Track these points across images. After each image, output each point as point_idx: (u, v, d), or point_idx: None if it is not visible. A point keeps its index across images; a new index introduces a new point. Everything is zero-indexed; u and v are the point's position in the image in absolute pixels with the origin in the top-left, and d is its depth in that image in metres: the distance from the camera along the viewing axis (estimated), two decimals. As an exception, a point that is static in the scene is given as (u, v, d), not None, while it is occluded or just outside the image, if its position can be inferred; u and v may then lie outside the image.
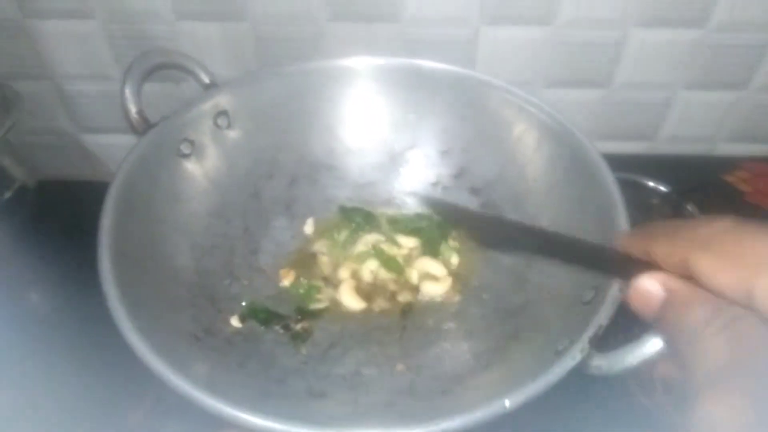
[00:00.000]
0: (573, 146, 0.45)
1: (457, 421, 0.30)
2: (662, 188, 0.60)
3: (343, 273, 0.49)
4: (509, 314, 0.44)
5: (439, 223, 0.51)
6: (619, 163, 0.45)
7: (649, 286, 0.25)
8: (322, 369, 0.42)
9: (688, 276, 0.23)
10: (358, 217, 0.52)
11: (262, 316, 0.45)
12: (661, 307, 0.24)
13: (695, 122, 0.66)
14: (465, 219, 0.47)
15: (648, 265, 0.25)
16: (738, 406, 0.19)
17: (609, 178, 0.42)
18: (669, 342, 0.24)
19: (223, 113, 0.49)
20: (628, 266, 0.25)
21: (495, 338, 0.43)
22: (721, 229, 0.22)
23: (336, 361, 0.43)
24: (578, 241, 0.33)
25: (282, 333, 0.44)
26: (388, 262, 0.49)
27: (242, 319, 0.44)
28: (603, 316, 0.34)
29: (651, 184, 0.60)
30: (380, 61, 0.51)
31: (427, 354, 0.44)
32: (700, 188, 0.59)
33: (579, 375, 0.33)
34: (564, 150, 0.46)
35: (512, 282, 0.46)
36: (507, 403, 0.31)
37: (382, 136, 0.53)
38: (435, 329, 0.46)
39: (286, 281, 0.48)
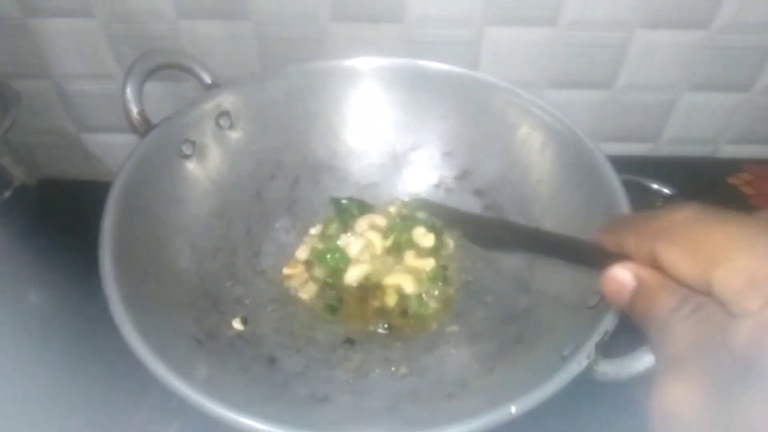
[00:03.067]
0: (578, 148, 0.45)
1: (462, 428, 0.30)
2: (666, 190, 0.60)
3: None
4: (513, 318, 0.44)
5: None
6: (622, 164, 0.44)
7: (621, 275, 0.25)
8: (325, 373, 0.42)
9: (658, 266, 0.24)
10: (353, 208, 0.52)
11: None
12: (632, 297, 0.25)
13: (699, 124, 0.66)
14: (463, 222, 0.47)
15: (622, 257, 0.26)
16: (692, 385, 0.20)
17: (614, 181, 0.42)
18: (642, 330, 0.25)
19: (225, 114, 0.49)
20: (605, 259, 0.26)
21: (499, 342, 0.43)
22: (684, 218, 0.23)
23: (339, 364, 0.43)
24: (565, 237, 0.34)
25: (285, 336, 0.44)
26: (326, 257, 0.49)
27: (244, 322, 0.44)
28: (609, 321, 0.34)
29: (654, 186, 0.60)
30: (383, 61, 0.51)
31: (431, 357, 0.43)
32: (704, 190, 0.59)
33: (585, 380, 0.33)
34: (569, 152, 0.46)
35: (515, 285, 0.46)
36: (513, 409, 0.30)
37: (384, 137, 0.53)
38: (438, 332, 0.45)
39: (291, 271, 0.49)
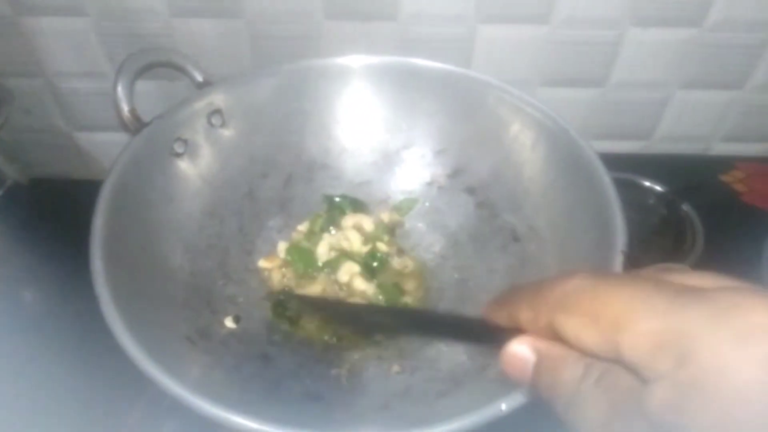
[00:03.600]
0: (569, 145, 0.45)
1: (453, 425, 0.30)
2: (658, 188, 0.60)
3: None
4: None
5: None
6: (615, 162, 0.45)
7: (519, 350, 0.24)
8: (318, 371, 0.42)
9: (557, 338, 0.22)
10: (345, 205, 0.52)
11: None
12: (534, 371, 0.24)
13: (691, 122, 0.66)
14: (334, 310, 0.45)
15: (516, 331, 0.24)
16: None
17: (605, 178, 0.42)
18: (550, 407, 0.23)
19: (217, 112, 0.49)
20: (499, 335, 0.25)
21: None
22: (577, 286, 0.22)
23: (332, 363, 0.43)
24: (452, 317, 0.32)
25: (278, 335, 0.44)
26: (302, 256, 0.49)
27: (237, 321, 0.44)
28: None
29: (647, 183, 0.61)
30: (376, 59, 0.51)
31: (423, 355, 0.43)
32: (696, 188, 0.59)
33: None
34: (560, 149, 0.46)
35: (507, 283, 0.46)
36: (503, 406, 0.30)
37: (377, 135, 0.53)
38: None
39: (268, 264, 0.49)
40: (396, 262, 0.50)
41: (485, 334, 0.26)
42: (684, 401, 0.18)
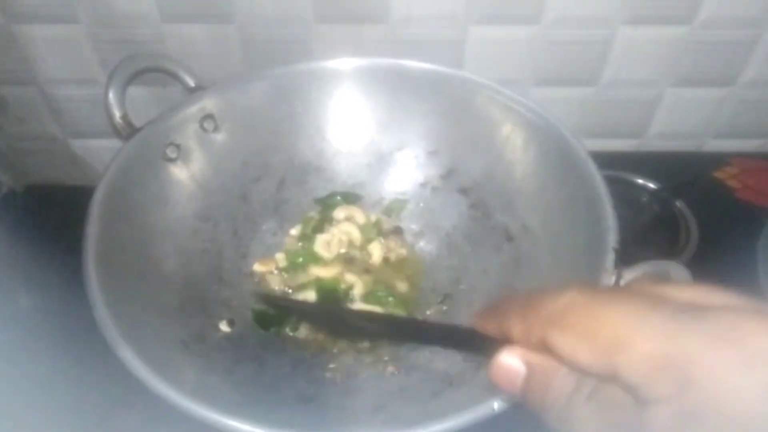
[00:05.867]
0: (560, 144, 0.45)
1: (446, 424, 0.30)
2: (651, 185, 0.60)
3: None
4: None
5: None
6: (608, 160, 0.45)
7: (509, 361, 0.23)
8: (313, 373, 0.42)
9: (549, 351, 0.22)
10: (336, 200, 0.53)
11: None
12: (524, 384, 0.23)
13: (683, 119, 0.66)
14: (305, 313, 0.44)
15: (506, 342, 0.24)
16: None
17: (596, 176, 0.42)
18: (541, 419, 0.23)
19: (209, 116, 0.49)
20: (488, 344, 0.24)
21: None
22: (571, 302, 0.21)
23: (326, 364, 0.43)
24: (435, 325, 0.32)
25: (272, 337, 0.44)
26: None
27: (231, 324, 0.44)
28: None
29: (640, 181, 0.61)
30: (367, 62, 0.51)
31: (418, 356, 0.43)
32: (689, 185, 0.59)
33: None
34: (551, 148, 0.46)
35: (502, 282, 0.46)
36: (495, 405, 0.31)
37: (370, 137, 0.53)
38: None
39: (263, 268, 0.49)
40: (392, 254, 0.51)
41: (475, 344, 0.25)
42: (685, 427, 0.18)
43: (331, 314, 0.40)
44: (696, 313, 0.19)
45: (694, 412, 0.18)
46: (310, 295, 0.47)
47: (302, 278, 0.49)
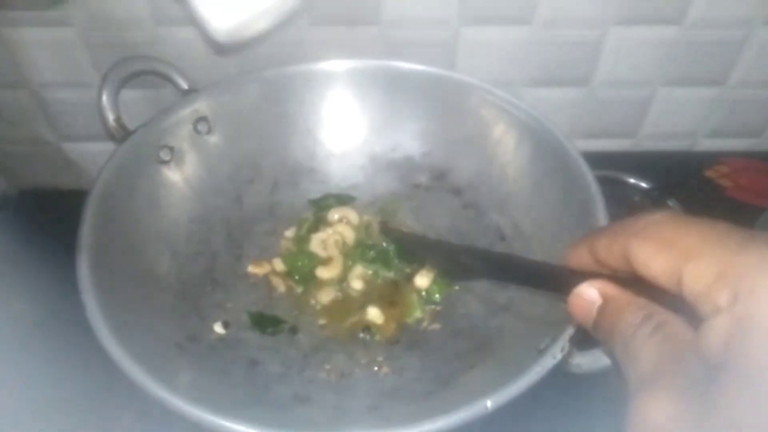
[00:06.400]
0: (552, 145, 0.46)
1: (439, 423, 0.30)
2: (643, 184, 0.61)
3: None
4: (493, 314, 0.45)
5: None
6: (601, 160, 0.45)
7: (588, 292, 0.26)
8: (307, 373, 0.42)
9: (629, 272, 0.24)
10: (330, 202, 0.53)
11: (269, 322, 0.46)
12: (598, 314, 0.26)
13: (675, 119, 0.67)
14: (426, 249, 0.47)
15: (590, 276, 0.26)
16: (670, 399, 0.20)
17: (588, 176, 0.43)
18: (606, 349, 0.26)
19: (202, 119, 0.49)
20: (572, 280, 0.27)
21: (479, 338, 0.43)
22: (658, 219, 0.24)
23: (320, 365, 0.43)
24: (532, 262, 0.33)
25: (266, 339, 0.44)
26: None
27: (226, 326, 0.44)
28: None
29: (632, 180, 0.61)
30: (360, 64, 0.52)
31: (412, 356, 0.44)
32: (681, 184, 0.60)
33: (564, 375, 0.33)
34: (544, 149, 0.47)
35: (495, 282, 0.46)
36: (489, 403, 0.31)
37: (363, 138, 0.54)
38: (420, 331, 0.46)
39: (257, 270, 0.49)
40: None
41: (561, 280, 0.28)
42: (740, 336, 0.19)
43: (448, 251, 0.43)
44: (764, 239, 0.21)
45: (749, 319, 0.19)
46: (322, 295, 0.48)
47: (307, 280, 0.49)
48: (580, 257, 0.27)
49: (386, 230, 0.50)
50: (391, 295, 0.48)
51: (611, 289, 0.25)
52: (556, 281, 0.29)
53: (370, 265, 0.49)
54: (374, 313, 0.46)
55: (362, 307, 0.47)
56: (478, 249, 0.43)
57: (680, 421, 0.20)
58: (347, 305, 0.47)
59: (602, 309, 0.25)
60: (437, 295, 0.47)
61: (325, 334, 0.45)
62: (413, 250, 0.48)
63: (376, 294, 0.48)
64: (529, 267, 0.33)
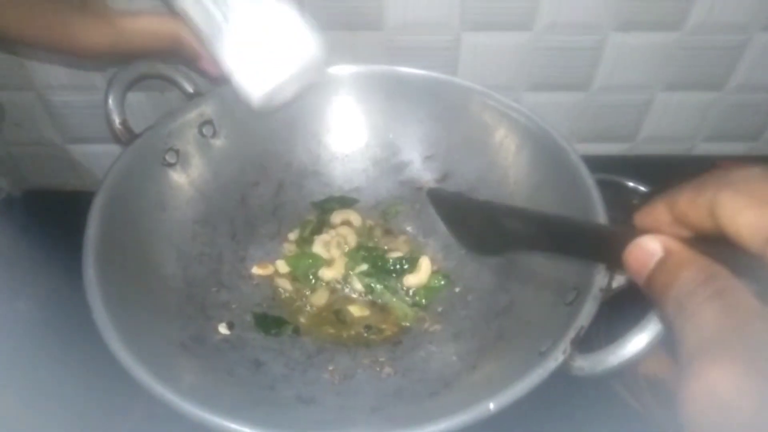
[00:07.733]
0: (552, 149, 0.46)
1: (442, 425, 0.31)
2: (642, 188, 0.61)
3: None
4: (494, 315, 0.45)
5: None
6: (599, 164, 0.46)
7: (649, 243, 0.24)
8: (311, 374, 0.43)
9: (710, 228, 0.23)
10: (333, 203, 0.53)
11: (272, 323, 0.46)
12: (655, 268, 0.24)
13: (674, 123, 0.67)
14: (468, 211, 0.44)
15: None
16: (734, 372, 0.19)
17: (588, 180, 0.43)
18: (658, 310, 0.24)
19: (208, 122, 0.49)
20: (624, 241, 0.25)
21: (481, 339, 0.44)
22: (751, 173, 0.22)
23: (323, 366, 0.43)
24: (590, 224, 0.32)
25: (270, 339, 0.45)
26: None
27: (230, 327, 0.44)
28: (584, 318, 0.35)
29: (631, 184, 0.61)
30: (363, 69, 0.52)
31: (415, 357, 0.44)
32: (678, 187, 0.60)
33: (566, 377, 0.34)
34: (544, 152, 0.47)
35: (496, 283, 0.47)
36: (491, 405, 0.31)
37: (366, 142, 0.54)
38: (422, 332, 0.46)
39: (261, 271, 0.49)
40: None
41: (619, 244, 0.26)
42: None
43: (494, 214, 0.39)
44: None
45: None
46: (322, 297, 0.48)
47: (311, 281, 0.50)
48: (656, 215, 0.25)
49: (431, 192, 0.49)
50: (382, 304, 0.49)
51: (675, 244, 0.24)
52: (613, 246, 0.26)
53: (364, 278, 0.49)
54: (354, 308, 0.48)
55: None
56: (530, 210, 0.38)
57: (750, 395, 0.18)
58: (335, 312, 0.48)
59: (661, 262, 0.24)
60: (423, 300, 0.48)
61: (329, 335, 0.46)
62: (456, 216, 0.46)
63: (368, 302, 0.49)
64: (586, 230, 0.31)
